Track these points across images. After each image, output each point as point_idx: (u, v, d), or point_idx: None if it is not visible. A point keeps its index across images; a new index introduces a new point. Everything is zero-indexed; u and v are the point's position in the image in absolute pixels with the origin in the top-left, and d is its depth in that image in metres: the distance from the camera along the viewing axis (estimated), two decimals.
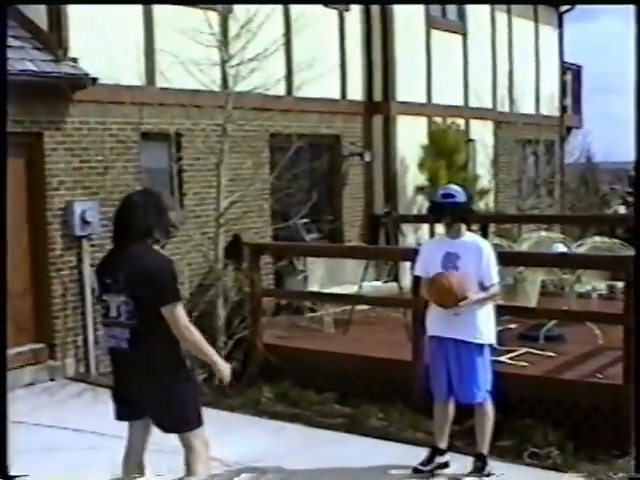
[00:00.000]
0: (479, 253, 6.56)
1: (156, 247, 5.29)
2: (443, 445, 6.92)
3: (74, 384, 9.93)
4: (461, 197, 6.64)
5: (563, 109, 21.02)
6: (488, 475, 6.67)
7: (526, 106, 18.61)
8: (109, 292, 5.23)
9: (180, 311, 5.12)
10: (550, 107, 19.69)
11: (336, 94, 14.22)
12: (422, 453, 6.97)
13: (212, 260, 10.59)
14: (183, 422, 5.29)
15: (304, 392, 8.82)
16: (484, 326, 6.60)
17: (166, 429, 5.35)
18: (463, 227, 6.71)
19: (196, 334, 5.18)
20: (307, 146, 12.12)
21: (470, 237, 6.72)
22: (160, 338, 5.12)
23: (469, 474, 6.66)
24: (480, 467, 6.70)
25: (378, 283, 11.90)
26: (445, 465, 6.91)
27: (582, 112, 23.35)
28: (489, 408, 6.72)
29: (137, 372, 5.20)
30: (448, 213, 6.63)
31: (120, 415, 5.49)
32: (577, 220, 16.56)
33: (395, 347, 9.07)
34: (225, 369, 5.31)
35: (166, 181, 11.34)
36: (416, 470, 6.83)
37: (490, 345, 6.71)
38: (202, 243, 11.00)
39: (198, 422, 5.33)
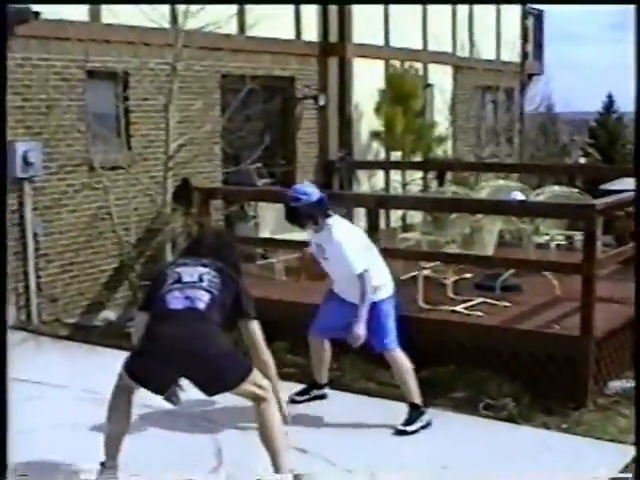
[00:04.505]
0: (337, 245, 6.65)
1: None
2: (322, 381, 7.39)
3: (15, 332, 9.81)
4: (309, 197, 6.64)
5: (524, 55, 21.00)
6: (427, 424, 6.76)
7: (486, 51, 18.59)
8: (186, 265, 5.57)
9: (259, 329, 5.72)
10: (511, 53, 19.65)
11: (290, 34, 14.04)
12: (374, 403, 7.04)
13: (160, 205, 10.52)
14: (244, 371, 5.35)
15: None
16: (377, 284, 6.75)
17: (227, 387, 5.33)
18: (322, 221, 6.73)
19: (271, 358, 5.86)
20: (260, 88, 11.98)
21: (330, 228, 6.72)
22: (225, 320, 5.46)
23: (404, 424, 6.73)
24: (415, 417, 6.77)
25: None
26: (322, 397, 7.37)
27: (543, 58, 23.38)
28: (400, 355, 6.85)
29: (200, 334, 5.22)
30: (296, 217, 6.73)
31: (151, 384, 5.32)
32: (536, 169, 16.66)
33: None
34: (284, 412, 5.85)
35: (112, 122, 11.19)
36: (292, 400, 7.12)
37: (389, 297, 6.88)
38: (150, 187, 10.91)
39: (250, 368, 5.44)
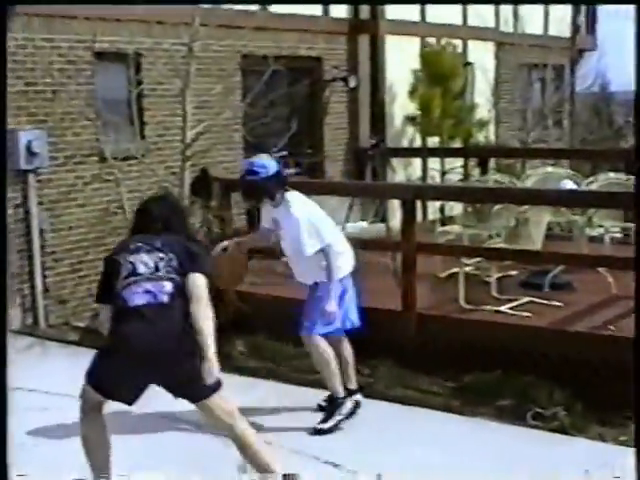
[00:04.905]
0: (295, 221, 6.83)
1: None
2: (350, 386, 7.28)
3: (20, 338, 9.86)
4: (267, 170, 6.81)
5: (575, 29, 20.82)
6: (348, 415, 6.95)
7: (533, 25, 18.46)
8: (140, 252, 5.42)
9: (204, 283, 5.37)
10: (560, 26, 19.51)
11: (317, 10, 14.04)
12: (408, 411, 7.02)
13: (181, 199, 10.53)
14: (216, 383, 5.31)
15: (281, 345, 8.80)
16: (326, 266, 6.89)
17: (199, 394, 5.31)
18: (279, 195, 6.91)
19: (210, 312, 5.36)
20: (284, 69, 11.99)
21: (287, 204, 6.91)
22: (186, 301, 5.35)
23: (321, 422, 6.92)
24: (333, 411, 6.95)
25: (364, 224, 11.87)
26: (357, 405, 7.24)
27: (596, 32, 23.11)
28: (319, 343, 6.98)
29: (170, 331, 5.20)
30: (253, 192, 6.99)
31: (118, 394, 5.34)
32: (588, 154, 16.49)
33: (382, 296, 9.04)
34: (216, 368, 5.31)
35: (124, 108, 11.21)
36: (321, 408, 7.20)
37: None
38: (166, 179, 10.92)
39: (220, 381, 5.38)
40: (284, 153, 12.32)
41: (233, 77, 12.40)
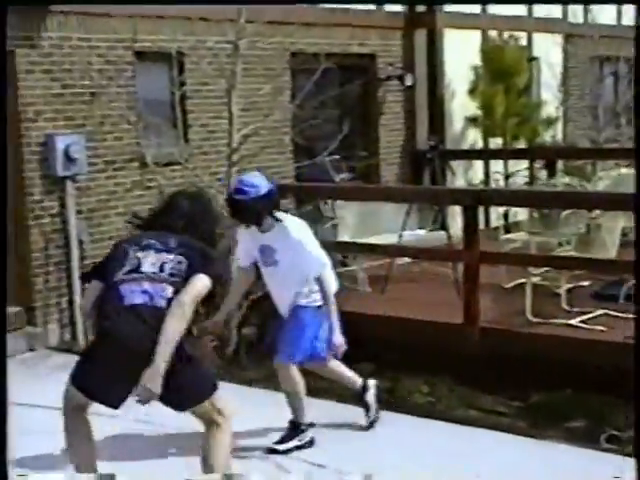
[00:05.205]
0: (295, 244, 6.79)
1: None
2: (358, 383, 7.50)
3: (58, 354, 9.94)
4: (257, 190, 6.74)
5: None
6: (304, 445, 7.03)
7: (604, 15, 18.31)
8: (149, 250, 5.46)
9: (204, 290, 5.35)
10: (635, 14, 19.33)
11: (371, 4, 14.06)
12: (474, 434, 6.96)
13: (223, 205, 10.56)
14: (209, 387, 5.49)
15: None
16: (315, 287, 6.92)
17: (190, 400, 5.45)
18: (269, 219, 6.85)
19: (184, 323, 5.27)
20: (336, 68, 11.99)
21: (283, 226, 6.85)
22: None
23: (276, 442, 7.03)
24: (292, 435, 7.06)
25: (422, 232, 11.82)
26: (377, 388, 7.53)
27: None
28: (293, 374, 7.03)
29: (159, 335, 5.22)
30: (240, 213, 6.88)
31: (104, 397, 5.46)
32: None
33: (443, 308, 9.03)
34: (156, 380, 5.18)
35: (167, 111, 11.29)
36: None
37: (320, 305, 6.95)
38: (211, 185, 10.96)
39: (215, 386, 5.55)
40: (336, 157, 12.34)
41: (282, 76, 12.43)
